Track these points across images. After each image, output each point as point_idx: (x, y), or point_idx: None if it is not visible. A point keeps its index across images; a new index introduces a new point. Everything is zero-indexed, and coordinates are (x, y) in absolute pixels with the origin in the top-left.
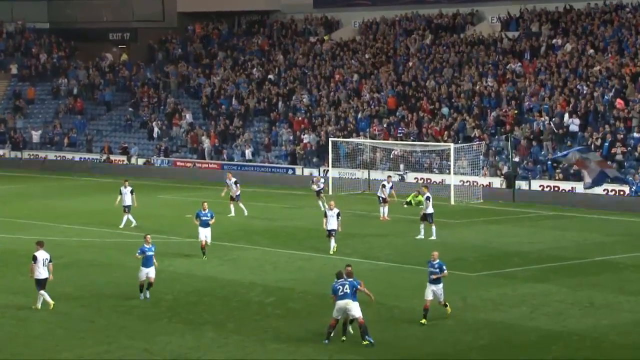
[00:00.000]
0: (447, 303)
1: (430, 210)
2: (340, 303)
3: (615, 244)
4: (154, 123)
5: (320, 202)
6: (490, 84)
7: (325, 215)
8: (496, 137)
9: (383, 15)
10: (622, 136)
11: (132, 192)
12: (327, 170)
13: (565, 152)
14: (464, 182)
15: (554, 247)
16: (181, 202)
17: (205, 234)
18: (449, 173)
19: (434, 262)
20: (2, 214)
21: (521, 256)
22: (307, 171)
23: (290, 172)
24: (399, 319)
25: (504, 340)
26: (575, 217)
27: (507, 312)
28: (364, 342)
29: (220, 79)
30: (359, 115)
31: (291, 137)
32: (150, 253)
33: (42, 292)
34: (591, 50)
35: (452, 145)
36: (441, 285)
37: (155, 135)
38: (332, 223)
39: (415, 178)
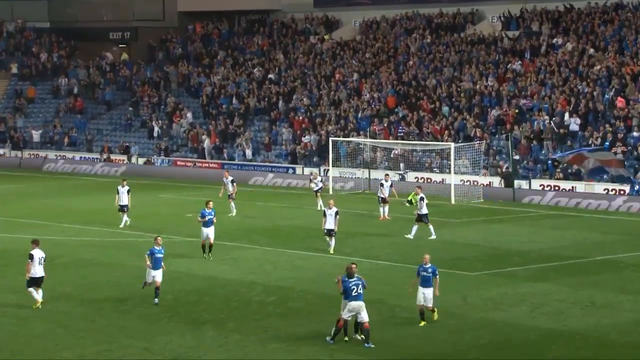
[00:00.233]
0: (435, 308)
1: (424, 210)
2: (354, 304)
3: (616, 243)
4: (154, 122)
5: (318, 201)
6: (491, 83)
7: (324, 215)
8: (496, 136)
9: (383, 14)
10: (622, 135)
11: (128, 191)
12: (328, 170)
13: (570, 152)
14: (464, 181)
15: (554, 246)
16: (181, 201)
17: (207, 233)
18: (450, 172)
19: (427, 266)
20: (2, 214)
21: (521, 255)
22: (307, 170)
23: (290, 171)
24: (400, 318)
25: (505, 340)
26: (576, 217)
27: (508, 311)
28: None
29: (220, 78)
30: (360, 115)
31: (291, 137)
32: (159, 255)
33: (30, 289)
34: (591, 50)
35: (452, 145)
36: (431, 289)
37: (155, 134)
38: (331, 222)
39: (415, 177)
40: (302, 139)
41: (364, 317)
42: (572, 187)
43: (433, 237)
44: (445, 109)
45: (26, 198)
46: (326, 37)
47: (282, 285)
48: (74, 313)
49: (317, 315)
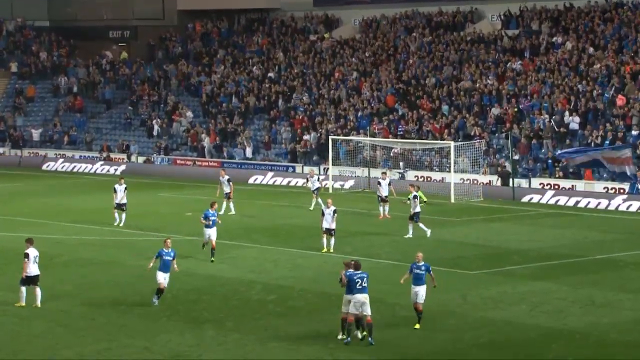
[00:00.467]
0: (420, 318)
1: (417, 209)
2: (359, 297)
3: (615, 241)
4: (153, 121)
5: (313, 201)
6: (491, 82)
7: (323, 214)
8: (496, 135)
9: (383, 13)
10: (622, 134)
11: (125, 189)
12: (327, 168)
13: (576, 150)
14: (464, 180)
15: (554, 245)
16: (181, 200)
17: (209, 234)
18: (449, 171)
19: (420, 264)
20: (2, 212)
21: (521, 254)
22: (307, 169)
23: (290, 170)
24: (400, 317)
25: (504, 339)
26: (575, 215)
27: (507, 310)
28: (361, 337)
29: (220, 77)
30: (359, 114)
31: (290, 135)
32: (168, 258)
33: (24, 289)
34: (591, 49)
35: (452, 143)
36: (424, 287)
37: (155, 133)
38: (330, 222)
39: (415, 176)
40: (302, 137)
41: (367, 310)
42: (572, 185)
43: (428, 235)
44: (445, 107)
45: (26, 197)
46: (326, 35)
47: (282, 284)
48: (74, 312)
49: (317, 314)
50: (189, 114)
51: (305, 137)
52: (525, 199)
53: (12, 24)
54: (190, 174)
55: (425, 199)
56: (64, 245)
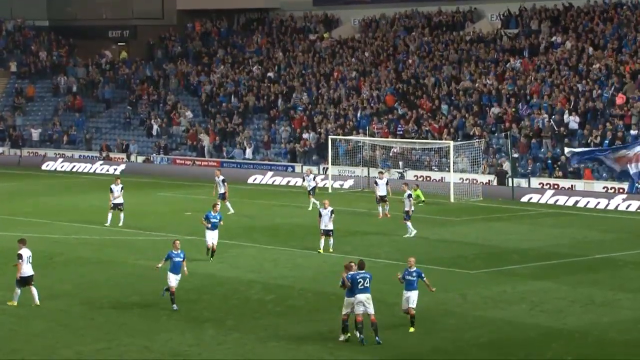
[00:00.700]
0: (414, 321)
1: (409, 208)
2: (361, 296)
3: (615, 241)
4: (153, 121)
5: (310, 201)
6: (490, 81)
7: (320, 215)
8: (496, 134)
9: (382, 12)
10: (621, 134)
11: (122, 189)
12: (327, 168)
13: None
14: (463, 179)
15: (553, 244)
16: (181, 199)
17: (212, 237)
18: (449, 171)
19: (412, 270)
20: (1, 212)
21: (521, 253)
22: (305, 168)
23: (290, 169)
24: (399, 316)
25: (504, 338)
26: (575, 215)
27: (507, 309)
28: (362, 338)
29: (219, 77)
30: (359, 113)
31: (288, 134)
32: (178, 259)
33: (18, 290)
34: (590, 48)
35: (451, 143)
36: (416, 292)
37: (154, 132)
38: (327, 222)
39: (414, 176)
40: (302, 136)
41: (370, 310)
42: (572, 185)
43: (411, 235)
44: (444, 107)
45: (25, 196)
46: (325, 35)
47: (282, 283)
48: (73, 311)
49: (317, 313)
50: (189, 113)
51: (305, 135)
52: (525, 198)
53: (12, 24)
54: (190, 173)
55: (423, 199)
56: (64, 244)
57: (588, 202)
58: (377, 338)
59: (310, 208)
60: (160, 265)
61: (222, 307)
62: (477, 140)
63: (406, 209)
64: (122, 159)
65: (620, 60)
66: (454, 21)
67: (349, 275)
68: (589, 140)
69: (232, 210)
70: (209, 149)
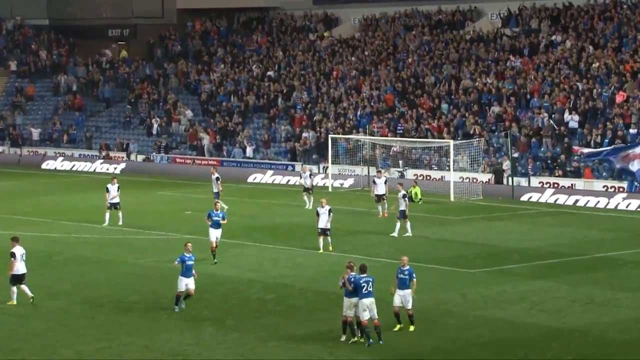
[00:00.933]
0: (413, 320)
1: (403, 207)
2: (366, 301)
3: (615, 240)
4: (152, 120)
5: (310, 199)
6: (490, 80)
7: (317, 214)
8: (496, 133)
9: (382, 11)
10: (621, 133)
11: (118, 189)
12: (327, 167)
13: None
14: (463, 178)
15: (553, 243)
16: (181, 198)
17: (215, 235)
18: (449, 170)
19: (404, 269)
20: (1, 211)
21: (521, 253)
22: (303, 166)
23: (290, 168)
24: (400, 315)
25: (504, 337)
26: (575, 214)
27: (507, 309)
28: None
29: (219, 76)
30: (359, 112)
31: (286, 134)
32: (190, 262)
33: (14, 288)
34: (590, 47)
35: (451, 142)
36: (409, 291)
37: (154, 132)
38: (325, 221)
39: (414, 174)
40: (302, 135)
41: (375, 314)
42: (571, 184)
43: (394, 234)
44: (444, 106)
45: (25, 195)
46: (325, 34)
47: (282, 282)
48: (73, 311)
49: (317, 313)
50: (189, 112)
51: (305, 134)
52: (525, 197)
53: (12, 23)
54: (190, 172)
55: (420, 197)
56: (63, 243)
57: (588, 201)
58: (380, 341)
59: (310, 207)
60: (176, 266)
61: (222, 307)
62: (477, 139)
63: (401, 208)
64: (122, 158)
65: (620, 59)
66: (454, 20)
67: (352, 278)
68: (588, 140)
69: (225, 207)
70: (209, 148)
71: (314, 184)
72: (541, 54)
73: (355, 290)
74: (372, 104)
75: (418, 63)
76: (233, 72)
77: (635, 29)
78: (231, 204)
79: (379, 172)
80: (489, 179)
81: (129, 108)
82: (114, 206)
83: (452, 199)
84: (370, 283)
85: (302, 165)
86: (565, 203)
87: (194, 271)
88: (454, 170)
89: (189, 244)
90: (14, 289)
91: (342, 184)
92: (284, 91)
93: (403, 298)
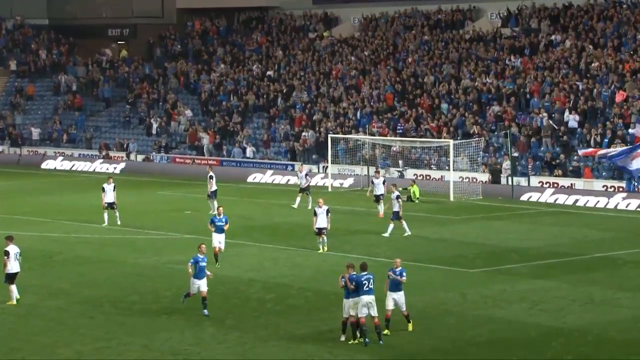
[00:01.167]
0: (410, 319)
1: (396, 208)
2: (366, 298)
3: (614, 240)
4: (152, 119)
5: (308, 198)
6: (490, 80)
7: (315, 214)
8: (495, 133)
9: (382, 11)
10: (621, 132)
11: (114, 189)
12: (327, 167)
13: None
14: (463, 178)
15: (553, 243)
16: (180, 198)
17: (219, 240)
18: (448, 169)
19: (396, 270)
20: (1, 211)
21: (520, 252)
22: (306, 167)
23: (289, 168)
24: (399, 315)
25: (504, 337)
26: (575, 214)
27: (507, 308)
28: (363, 340)
29: (219, 75)
30: (359, 112)
31: (284, 133)
32: (203, 264)
33: (12, 286)
34: (590, 47)
35: (451, 142)
36: (402, 293)
37: (154, 131)
38: (322, 221)
39: (414, 174)
40: (301, 134)
41: (374, 312)
42: (571, 184)
43: (386, 234)
44: (444, 106)
45: (25, 195)
46: (325, 34)
47: (281, 282)
48: (73, 310)
49: (316, 312)
50: (188, 112)
51: (304, 134)
52: (525, 197)
53: (12, 22)
54: (190, 172)
55: (418, 196)
56: (63, 243)
57: (588, 200)
58: (380, 342)
59: (309, 207)
60: (191, 270)
61: (222, 306)
62: (477, 139)
63: (394, 209)
64: (122, 157)
65: (620, 58)
66: (454, 20)
67: (353, 277)
68: (588, 139)
69: (211, 211)
70: (209, 148)
71: (309, 184)
72: (541, 53)
73: (357, 289)
74: (371, 103)
75: (418, 63)
76: (233, 71)
77: (634, 28)
78: (231, 203)
79: (376, 172)
80: (487, 179)
81: (127, 108)
82: (110, 206)
83: (451, 198)
84: (371, 280)
85: (301, 164)
86: (565, 203)
87: (207, 272)
88: (453, 170)
89: (203, 245)
90: (12, 287)
91: (341, 184)
92: (284, 91)
93: (397, 300)
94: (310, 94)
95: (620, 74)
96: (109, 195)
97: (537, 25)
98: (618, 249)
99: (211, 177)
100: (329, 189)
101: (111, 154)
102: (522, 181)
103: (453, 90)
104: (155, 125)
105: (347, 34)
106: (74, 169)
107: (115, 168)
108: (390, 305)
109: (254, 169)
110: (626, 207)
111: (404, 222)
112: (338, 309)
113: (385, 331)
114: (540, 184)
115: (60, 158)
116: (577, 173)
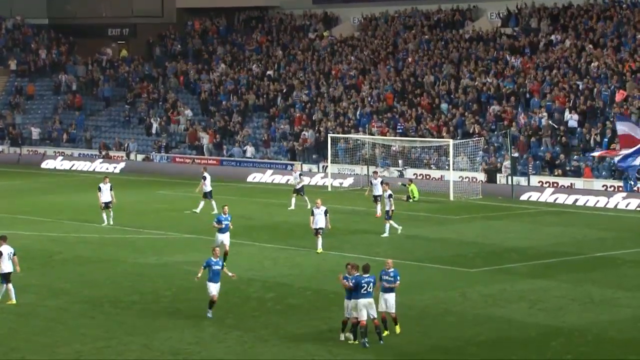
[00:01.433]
0: (397, 321)
1: (389, 207)
2: (364, 301)
3: (614, 239)
4: (152, 119)
5: (304, 198)
6: (489, 80)
7: (312, 214)
8: (495, 132)
9: (382, 11)
10: None
11: (111, 188)
12: (327, 167)
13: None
14: (463, 178)
15: (552, 242)
16: (180, 198)
17: (222, 239)
18: (448, 169)
19: (389, 271)
20: (1, 210)
21: (520, 252)
22: (306, 167)
23: (289, 167)
24: (399, 315)
25: (504, 336)
26: (574, 213)
27: (507, 307)
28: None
29: (219, 75)
30: (358, 112)
31: (281, 133)
32: (217, 267)
33: (9, 286)
34: (590, 46)
35: (451, 141)
36: (393, 294)
37: (154, 131)
38: (320, 221)
39: (414, 174)
40: (301, 134)
41: (373, 313)
42: (571, 183)
43: (384, 236)
44: (444, 105)
45: (25, 194)
46: (325, 33)
47: (281, 281)
48: (73, 310)
49: (316, 312)
50: (188, 112)
51: (304, 133)
52: (524, 196)
53: (11, 22)
54: (189, 172)
55: (415, 195)
56: (63, 243)
57: (587, 200)
58: (380, 342)
59: (308, 207)
60: (199, 275)
61: (222, 306)
62: (477, 138)
63: (387, 208)
64: (122, 157)
65: (620, 58)
66: (454, 19)
67: (354, 278)
68: (588, 139)
69: (197, 210)
70: (209, 148)
71: (303, 184)
72: (541, 53)
73: (356, 289)
74: (371, 103)
75: (417, 62)
76: (233, 71)
77: (634, 28)
78: (231, 203)
79: (374, 172)
80: (483, 178)
81: (127, 107)
82: (106, 206)
83: (451, 198)
84: (371, 284)
85: (300, 164)
86: (565, 202)
87: (230, 273)
88: (453, 169)
89: (217, 249)
90: (9, 286)
91: (341, 184)
92: (284, 90)
93: (387, 302)
94: (310, 93)
95: (620, 73)
96: (106, 195)
97: (537, 24)
98: (618, 248)
99: (204, 178)
100: (329, 189)
101: (111, 153)
102: (522, 181)
103: (453, 89)
104: (155, 125)
105: (347, 33)
106: (73, 168)
107: (115, 168)
108: (382, 307)
109: (254, 169)
110: (626, 206)
111: (391, 221)
112: (338, 308)
113: (385, 332)
114: (540, 183)
115: (60, 158)
116: (577, 173)
